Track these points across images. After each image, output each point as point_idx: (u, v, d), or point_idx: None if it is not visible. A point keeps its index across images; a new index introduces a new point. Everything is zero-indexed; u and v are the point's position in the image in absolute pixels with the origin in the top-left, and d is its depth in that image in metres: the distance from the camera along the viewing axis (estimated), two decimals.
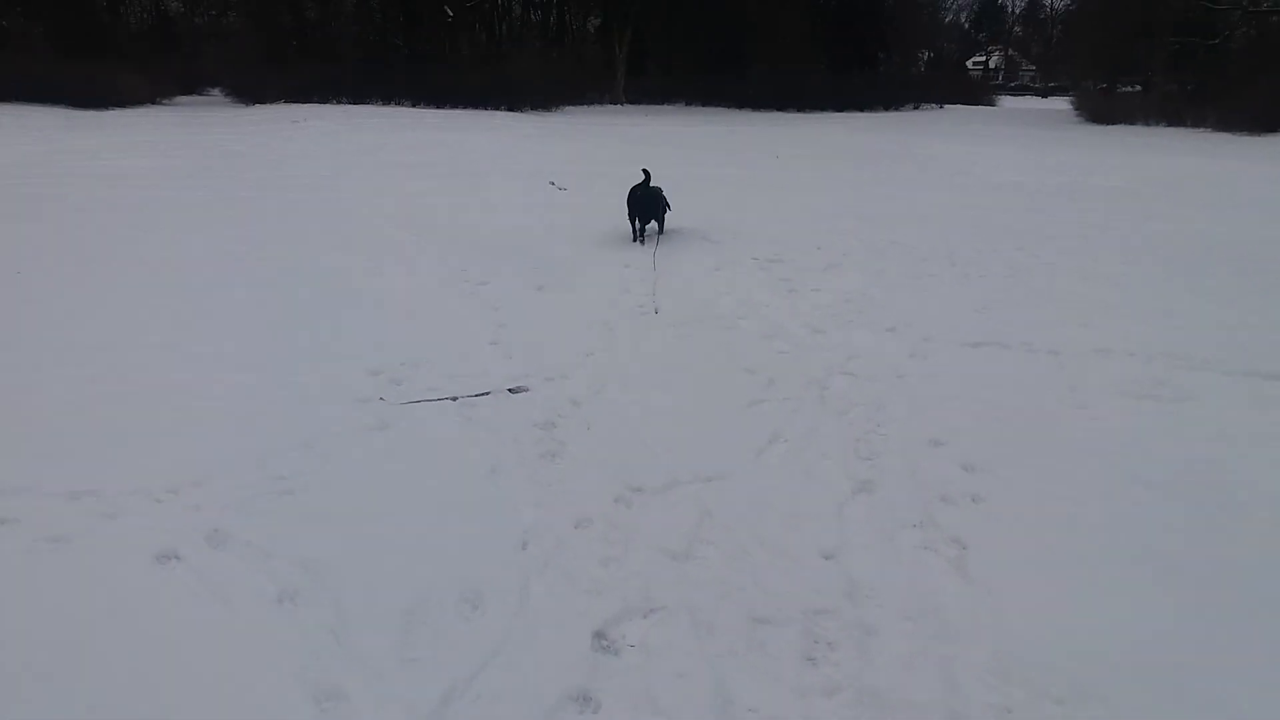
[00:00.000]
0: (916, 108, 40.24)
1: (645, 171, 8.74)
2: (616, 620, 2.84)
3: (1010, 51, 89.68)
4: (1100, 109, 31.05)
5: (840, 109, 36.83)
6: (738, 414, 4.56)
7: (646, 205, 8.73)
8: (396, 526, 3.37)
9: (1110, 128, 28.24)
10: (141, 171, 13.05)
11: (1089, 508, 3.61)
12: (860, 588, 3.04)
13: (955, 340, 5.76)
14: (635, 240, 8.78)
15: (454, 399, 4.61)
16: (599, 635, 2.77)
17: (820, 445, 4.18)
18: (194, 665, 2.58)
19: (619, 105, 38.40)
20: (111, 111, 25.78)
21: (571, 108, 34.81)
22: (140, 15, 48.85)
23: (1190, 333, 5.93)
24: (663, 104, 39.09)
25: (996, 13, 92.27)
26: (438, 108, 31.08)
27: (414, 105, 31.71)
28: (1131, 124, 28.83)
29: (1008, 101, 50.20)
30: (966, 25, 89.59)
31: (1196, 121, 27.09)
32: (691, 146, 20.46)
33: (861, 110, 37.00)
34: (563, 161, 16.02)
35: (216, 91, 35.62)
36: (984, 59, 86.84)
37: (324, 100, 30.88)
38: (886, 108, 38.66)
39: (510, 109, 31.91)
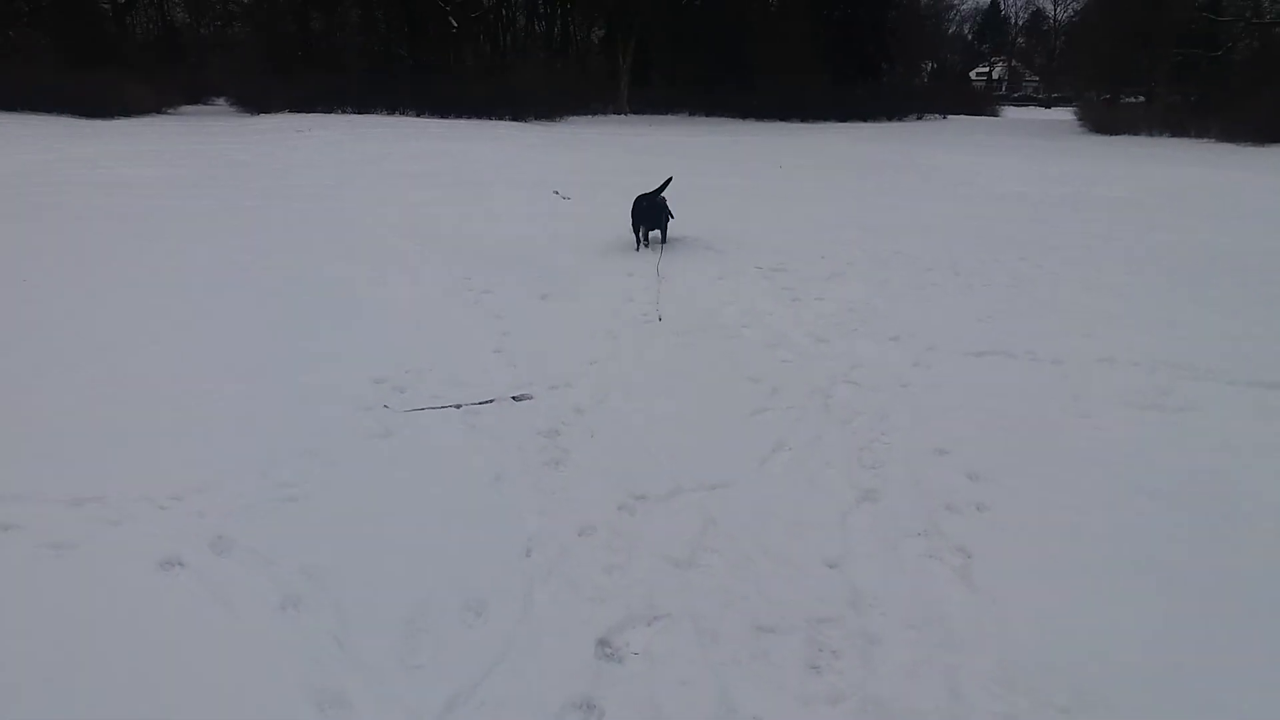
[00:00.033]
0: (920, 118, 40.35)
1: (667, 181, 8.88)
2: (620, 628, 2.84)
3: (1013, 62, 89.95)
4: (1104, 120, 31.07)
5: (844, 119, 36.89)
6: (741, 422, 4.56)
7: (652, 214, 8.78)
8: (400, 533, 3.37)
9: (1114, 138, 28.25)
10: (146, 180, 13.09)
11: (1093, 517, 3.60)
12: (864, 596, 3.03)
13: (959, 350, 5.76)
14: (639, 248, 8.80)
15: (458, 407, 4.62)
16: (602, 643, 2.77)
17: (824, 454, 4.18)
18: (197, 671, 2.58)
19: (623, 115, 38.52)
20: (117, 121, 25.85)
21: (575, 118, 34.90)
22: (146, 26, 49.21)
23: (1194, 343, 5.92)
24: (666, 114, 39.23)
25: (1000, 24, 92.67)
26: (442, 117, 31.12)
27: (418, 115, 31.77)
28: (1135, 135, 28.83)
29: (1011, 112, 50.39)
30: (970, 36, 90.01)
31: (1200, 132, 27.09)
32: (695, 156, 20.49)
33: (865, 120, 37.05)
34: (567, 171, 16.05)
35: (221, 101, 35.74)
36: (987, 70, 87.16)
37: (329, 110, 30.95)
38: (890, 118, 38.72)
39: (514, 119, 31.97)
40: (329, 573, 3.05)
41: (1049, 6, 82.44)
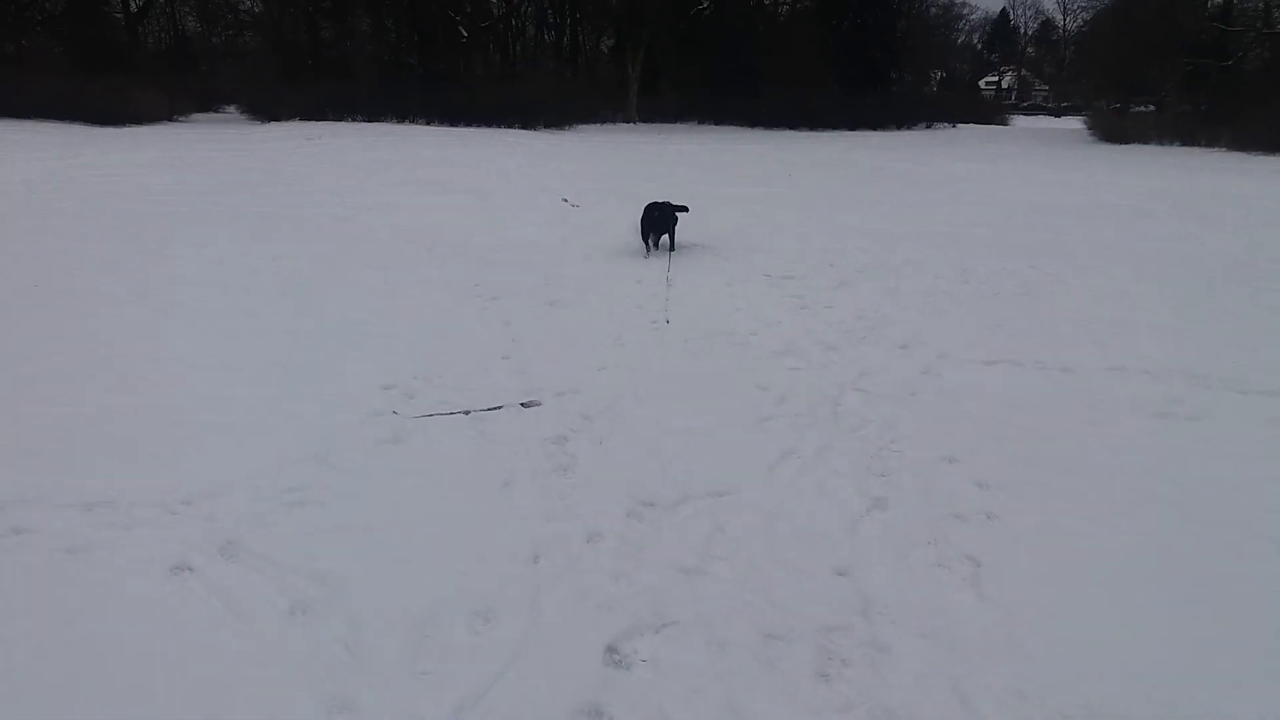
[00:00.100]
0: (929, 127, 40.36)
1: (683, 208, 8.99)
2: (628, 635, 2.83)
3: (1023, 71, 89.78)
4: (1113, 129, 31.02)
5: (853, 128, 36.96)
6: (750, 430, 4.55)
7: (662, 221, 8.87)
8: (408, 539, 3.37)
9: (1124, 147, 28.20)
10: (158, 187, 13.15)
11: (1103, 526, 3.58)
12: (874, 605, 3.02)
13: (969, 358, 5.75)
14: (648, 255, 8.82)
15: (467, 413, 4.62)
16: (610, 650, 2.76)
17: (833, 462, 4.17)
18: (206, 676, 2.59)
19: (632, 123, 38.59)
20: (129, 128, 26.01)
21: (584, 126, 34.97)
22: (158, 34, 49.53)
23: (1206, 351, 5.89)
24: (675, 122, 39.31)
25: (1009, 33, 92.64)
26: (452, 125, 31.26)
27: (428, 123, 31.92)
28: (1145, 144, 28.80)
29: (1021, 121, 50.26)
30: (979, 46, 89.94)
31: (1210, 141, 27.04)
32: (704, 164, 20.53)
33: (874, 129, 37.10)
34: (575, 179, 16.09)
35: (232, 109, 35.91)
36: (997, 79, 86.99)
37: (339, 118, 31.12)
38: (899, 127, 38.76)
39: (524, 127, 32.08)
40: (338, 579, 3.05)
41: (1058, 16, 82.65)
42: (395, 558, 3.23)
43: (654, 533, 3.49)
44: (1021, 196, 15.01)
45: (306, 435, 4.27)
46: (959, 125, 42.35)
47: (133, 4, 42.62)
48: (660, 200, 9.07)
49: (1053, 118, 58.71)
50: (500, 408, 4.72)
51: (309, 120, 30.05)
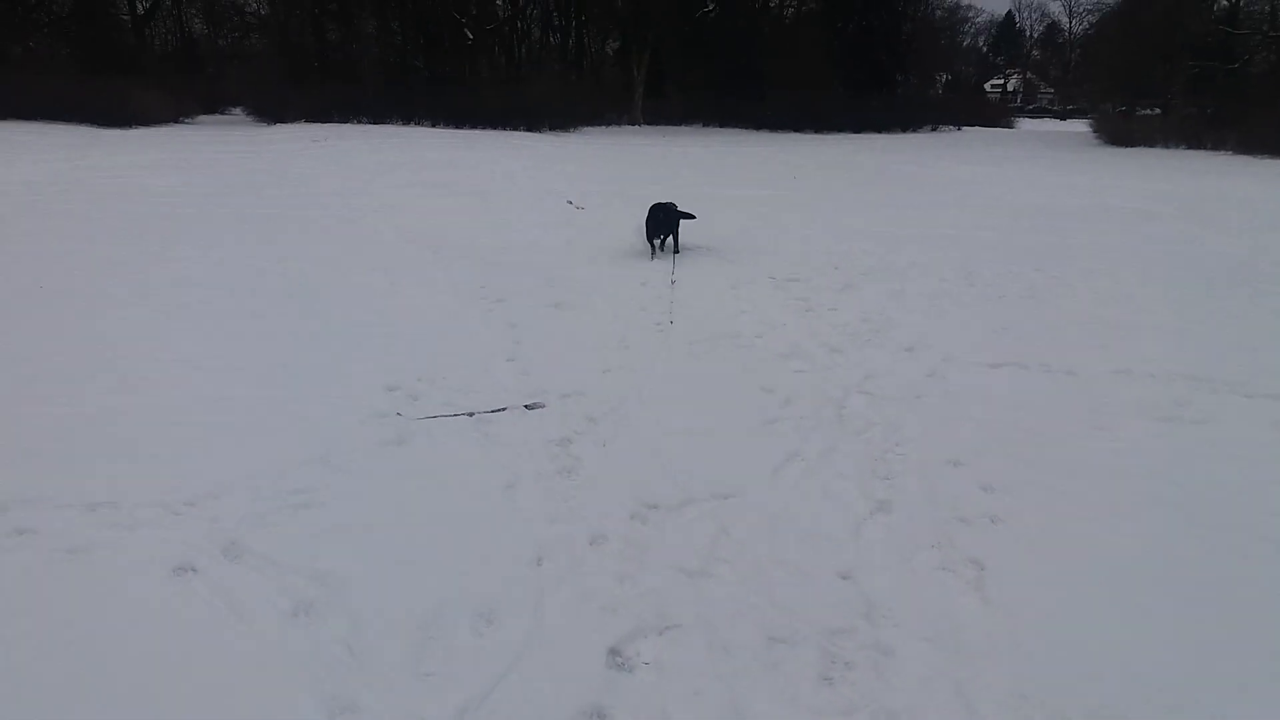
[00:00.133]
0: (934, 129, 40.34)
1: (689, 215, 9.00)
2: (631, 637, 2.82)
3: (1028, 74, 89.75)
4: (1119, 131, 30.99)
5: (858, 130, 36.91)
6: (754, 432, 4.55)
7: (667, 222, 8.88)
8: (412, 541, 3.37)
9: (1129, 150, 28.16)
10: (163, 189, 13.19)
11: (1108, 529, 3.57)
12: (877, 608, 3.01)
13: (974, 361, 5.74)
14: (653, 256, 8.83)
15: (470, 415, 4.62)
16: (614, 652, 2.76)
17: (837, 464, 4.16)
18: (209, 677, 2.59)
19: (637, 126, 38.64)
20: (135, 130, 26.08)
21: (589, 128, 35.00)
22: (165, 37, 49.71)
23: (1211, 355, 5.88)
24: (680, 125, 39.36)
25: (1015, 36, 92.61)
26: (457, 128, 31.31)
27: (433, 125, 31.98)
28: (1150, 147, 28.76)
29: (1026, 124, 50.27)
30: (984, 49, 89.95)
31: (1216, 144, 27.01)
32: (709, 167, 20.54)
33: (879, 132, 37.05)
34: (580, 181, 16.10)
35: (238, 111, 36.06)
36: (1002, 82, 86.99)
37: (344, 120, 31.19)
38: (904, 129, 38.73)
39: (529, 129, 32.11)
40: (341, 580, 3.05)
41: (1064, 19, 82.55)
42: (398, 559, 3.23)
43: (658, 535, 3.48)
44: (1027, 199, 14.99)
45: (310, 436, 4.27)
46: (964, 128, 42.37)
47: (139, 6, 42.82)
48: (665, 201, 9.07)
49: (1058, 121, 58.63)
50: (504, 409, 4.72)
51: (315, 122, 30.15)
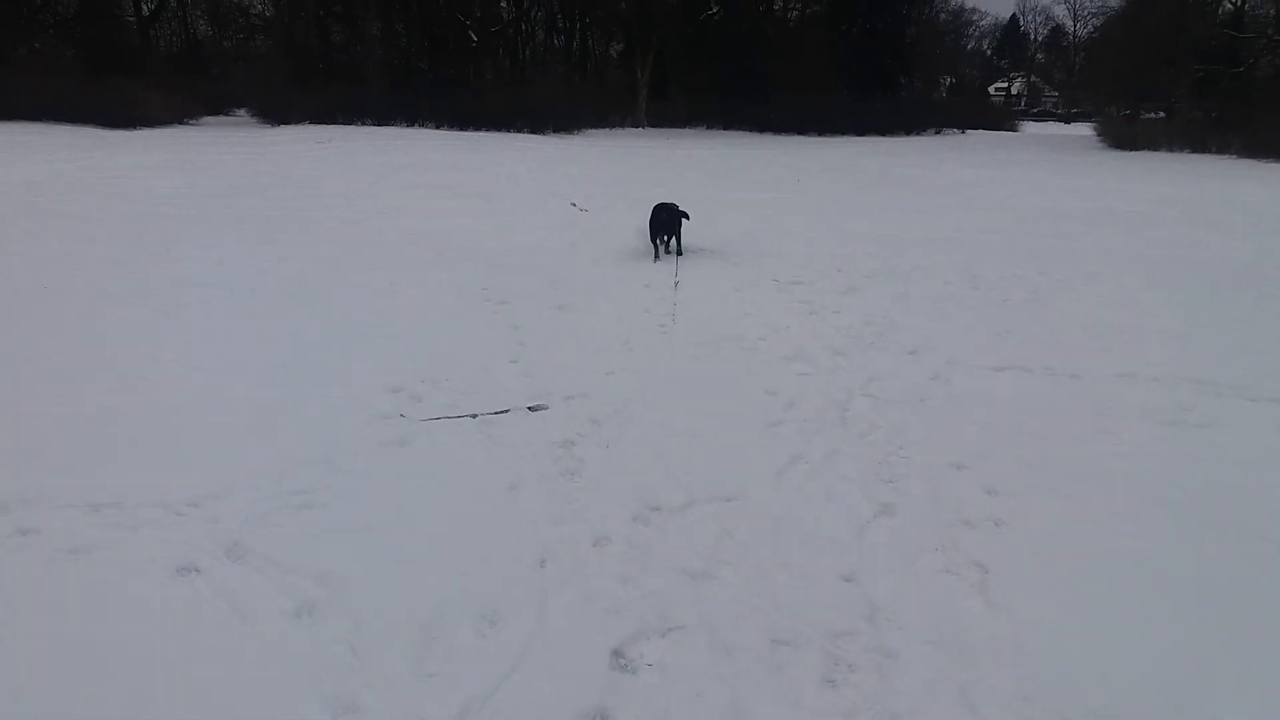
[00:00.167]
0: (938, 132, 40.32)
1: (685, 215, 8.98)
2: (634, 639, 2.82)
3: (1033, 78, 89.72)
4: (1123, 135, 30.95)
5: (861, 133, 36.90)
6: (757, 435, 4.54)
7: (670, 222, 8.88)
8: (415, 542, 3.36)
9: (1133, 154, 28.12)
10: (167, 190, 13.21)
11: (1112, 532, 3.56)
12: (881, 610, 3.00)
13: (977, 364, 5.73)
14: (656, 257, 8.83)
15: (474, 416, 4.62)
16: (616, 654, 2.75)
17: (841, 467, 4.16)
18: (211, 677, 2.59)
19: (641, 128, 38.64)
20: (139, 131, 26.13)
21: (593, 130, 35.03)
22: (170, 38, 49.84)
23: (1215, 358, 5.86)
24: (684, 127, 39.35)
25: (1019, 40, 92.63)
26: (461, 130, 31.32)
27: (438, 127, 31.99)
28: (1155, 150, 28.71)
29: (1030, 127, 50.29)
30: (989, 52, 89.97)
31: (1221, 148, 26.95)
32: (713, 169, 20.53)
33: (883, 135, 37.03)
34: (584, 183, 16.10)
35: (243, 112, 36.12)
36: (1006, 85, 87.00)
37: (349, 122, 31.21)
38: (908, 132, 38.70)
39: (533, 131, 32.13)
40: (343, 581, 3.05)
41: (1069, 23, 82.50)
42: (400, 560, 3.22)
43: (661, 537, 3.48)
44: (1031, 203, 14.97)
45: (312, 437, 4.27)
46: (968, 131, 42.36)
47: (144, 7, 42.90)
48: (667, 202, 9.08)
49: (1062, 124, 58.69)
50: (507, 411, 4.72)
51: (319, 124, 30.19)
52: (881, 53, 42.10)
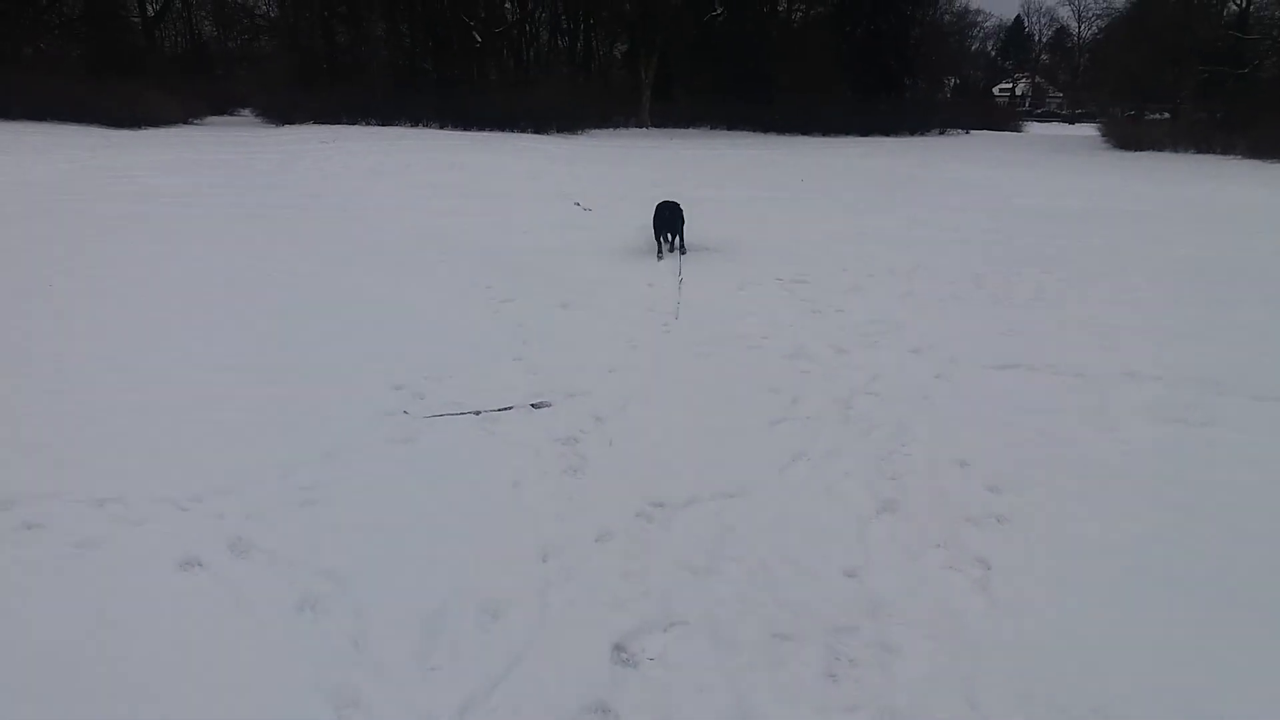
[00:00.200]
0: (942, 133, 40.32)
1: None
2: (636, 633, 2.83)
3: (1037, 78, 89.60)
4: (1128, 136, 30.88)
5: (865, 134, 36.90)
6: (760, 432, 4.54)
7: (673, 220, 8.91)
8: (417, 537, 3.37)
9: (1138, 154, 28.06)
10: (172, 189, 13.22)
11: (1114, 530, 3.56)
12: (883, 606, 3.01)
13: (981, 362, 5.72)
14: (660, 255, 8.85)
15: (477, 413, 4.63)
16: (619, 648, 2.76)
17: (843, 464, 4.16)
18: (215, 672, 2.60)
19: (644, 129, 38.64)
20: (144, 131, 26.17)
21: (597, 131, 35.03)
22: (175, 38, 49.95)
23: (1218, 357, 5.85)
24: (688, 128, 39.37)
25: (1023, 40, 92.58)
26: (465, 130, 31.34)
27: (441, 127, 32.01)
28: (1159, 151, 28.64)
29: (1034, 128, 50.21)
30: (993, 53, 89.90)
31: (1226, 149, 26.88)
32: (716, 169, 20.54)
33: (887, 135, 37.03)
34: (587, 182, 16.12)
35: (247, 112, 36.18)
36: (1010, 86, 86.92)
37: (353, 122, 31.27)
38: (912, 133, 38.70)
39: (536, 131, 32.15)
40: (347, 575, 3.06)
41: (1073, 24, 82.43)
42: (403, 555, 3.23)
43: (663, 533, 3.49)
44: (1035, 203, 14.96)
45: (316, 434, 4.28)
46: (972, 132, 42.35)
47: (150, 8, 43.03)
48: (670, 199, 9.11)
49: (1067, 125, 58.63)
50: (511, 408, 4.73)
51: (323, 124, 30.23)
52: (885, 54, 42.09)
